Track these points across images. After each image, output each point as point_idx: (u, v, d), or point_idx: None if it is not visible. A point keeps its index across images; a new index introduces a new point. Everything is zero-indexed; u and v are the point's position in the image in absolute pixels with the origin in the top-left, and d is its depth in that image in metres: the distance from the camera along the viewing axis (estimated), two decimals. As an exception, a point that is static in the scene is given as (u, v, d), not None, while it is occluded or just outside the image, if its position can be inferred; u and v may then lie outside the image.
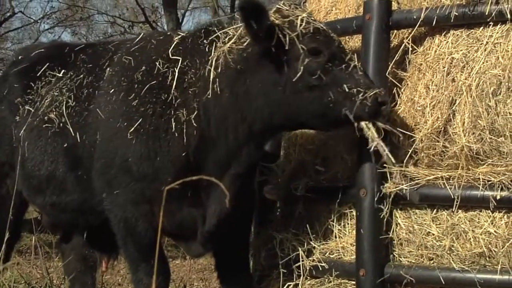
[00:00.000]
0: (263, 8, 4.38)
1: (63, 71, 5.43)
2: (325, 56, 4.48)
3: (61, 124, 5.16)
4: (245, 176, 4.83)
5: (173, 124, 4.65)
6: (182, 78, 4.75)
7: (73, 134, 5.08)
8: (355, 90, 4.42)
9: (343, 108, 4.42)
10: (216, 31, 4.80)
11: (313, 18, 4.64)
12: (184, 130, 4.65)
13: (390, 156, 4.50)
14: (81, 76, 5.29)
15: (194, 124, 4.64)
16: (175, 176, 4.52)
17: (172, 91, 4.71)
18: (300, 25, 4.49)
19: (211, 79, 4.61)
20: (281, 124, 4.71)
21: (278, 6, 4.62)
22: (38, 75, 5.57)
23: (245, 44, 4.61)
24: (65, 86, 5.31)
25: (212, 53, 4.70)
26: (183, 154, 4.66)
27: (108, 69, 5.15)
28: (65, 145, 5.14)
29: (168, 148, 4.68)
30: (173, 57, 4.82)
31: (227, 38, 4.71)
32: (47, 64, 5.57)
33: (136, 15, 25.04)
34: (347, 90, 4.42)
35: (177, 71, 4.75)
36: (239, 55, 4.61)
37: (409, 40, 4.91)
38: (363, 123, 4.46)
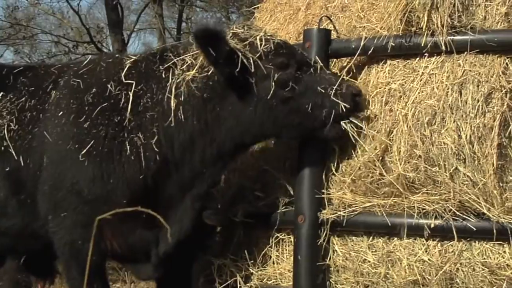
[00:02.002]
0: (219, 34, 4.36)
1: (1, 93, 5.35)
2: (293, 66, 4.55)
3: (2, 148, 5.08)
4: (204, 197, 4.86)
5: (128, 147, 4.65)
6: (136, 102, 4.73)
7: (16, 158, 5.00)
8: (329, 89, 4.50)
9: (324, 110, 4.49)
10: (172, 57, 4.79)
11: (269, 35, 4.69)
12: (142, 154, 4.64)
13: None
14: (23, 99, 5.23)
15: (155, 149, 4.63)
16: (131, 198, 4.54)
17: (126, 114, 4.69)
18: (261, 44, 4.55)
19: (172, 107, 4.61)
20: (251, 141, 4.79)
21: (233, 31, 4.65)
22: None
23: (209, 72, 4.60)
24: (5, 109, 5.24)
25: (170, 80, 4.69)
26: (140, 177, 4.65)
27: (53, 92, 5.10)
28: (6, 169, 5.06)
29: (123, 170, 4.66)
30: (126, 81, 4.80)
31: (185, 65, 4.70)
32: None
33: (81, 35, 24.71)
34: (323, 91, 4.51)
35: (131, 94, 4.73)
36: (203, 83, 4.61)
37: (348, 69, 4.98)
38: (343, 123, 4.55)
